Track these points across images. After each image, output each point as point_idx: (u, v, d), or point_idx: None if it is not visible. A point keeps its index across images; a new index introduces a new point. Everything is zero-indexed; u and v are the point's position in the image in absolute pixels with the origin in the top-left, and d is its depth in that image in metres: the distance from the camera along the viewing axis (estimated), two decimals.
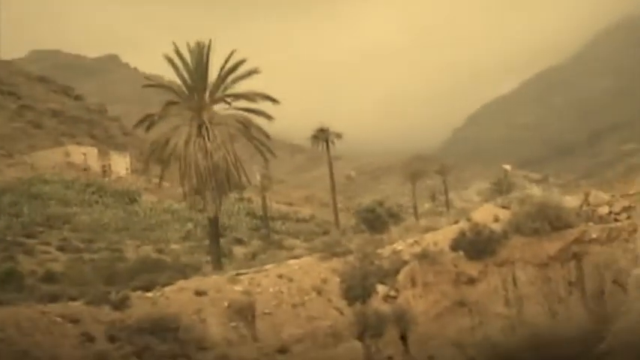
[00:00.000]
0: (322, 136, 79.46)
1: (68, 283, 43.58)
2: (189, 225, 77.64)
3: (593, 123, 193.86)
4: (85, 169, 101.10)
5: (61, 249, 63.69)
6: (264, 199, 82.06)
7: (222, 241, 68.23)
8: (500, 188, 63.64)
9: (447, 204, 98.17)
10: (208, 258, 50.09)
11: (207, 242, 68.97)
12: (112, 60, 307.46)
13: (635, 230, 30.34)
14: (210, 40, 43.13)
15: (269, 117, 44.47)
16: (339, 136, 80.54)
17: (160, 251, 66.17)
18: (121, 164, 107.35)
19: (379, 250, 33.10)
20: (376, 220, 45.42)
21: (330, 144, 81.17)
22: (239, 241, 75.31)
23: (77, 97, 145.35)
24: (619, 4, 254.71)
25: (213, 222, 44.39)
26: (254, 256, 56.34)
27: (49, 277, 48.50)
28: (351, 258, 32.34)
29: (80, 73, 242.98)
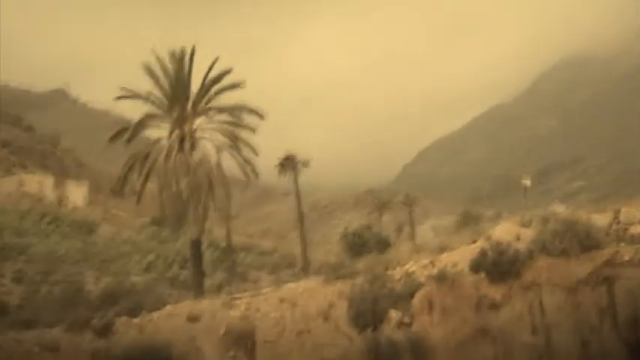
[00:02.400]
0: (289, 164, 76.36)
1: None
2: (151, 256, 74.03)
3: (541, 160, 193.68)
4: (40, 199, 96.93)
5: (16, 281, 59.87)
6: (228, 229, 78.62)
7: (184, 273, 64.77)
8: (468, 221, 61.07)
9: (413, 236, 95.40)
10: (172, 291, 47.10)
11: (169, 274, 65.43)
12: (60, 94, 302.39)
13: None
14: (193, 48, 40.08)
15: (253, 130, 41.62)
16: (306, 164, 77.58)
17: (120, 284, 62.59)
18: (77, 194, 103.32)
19: (389, 272, 30.08)
20: (364, 246, 42.40)
21: (293, 174, 78.15)
22: (202, 273, 71.92)
23: (28, 129, 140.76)
24: (564, 45, 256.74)
25: (195, 245, 41.12)
26: (219, 288, 53.33)
27: (3, 311, 44.80)
28: (359, 280, 29.27)
29: (29, 108, 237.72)
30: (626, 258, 27.90)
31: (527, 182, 73.13)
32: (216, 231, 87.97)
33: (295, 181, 77.56)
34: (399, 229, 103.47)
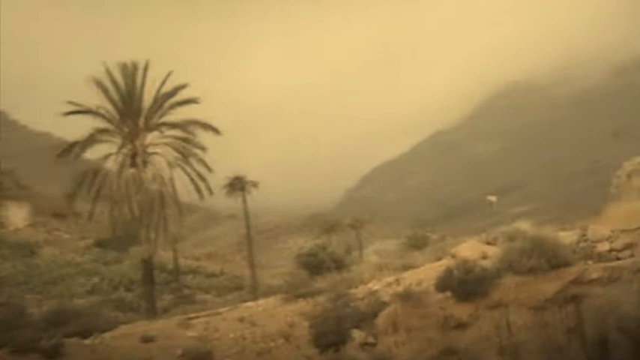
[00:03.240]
0: (238, 184, 75.02)
1: None
2: (95, 279, 72.20)
3: (484, 185, 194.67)
4: None
5: None
6: (175, 251, 77.09)
7: (130, 295, 63.18)
8: (417, 243, 60.20)
9: (362, 259, 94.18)
10: (118, 314, 45.62)
11: (114, 296, 63.87)
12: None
13: (639, 270, 27.13)
14: (147, 62, 38.90)
15: (203, 148, 40.44)
16: (255, 184, 76.32)
17: (65, 305, 60.73)
18: (18, 216, 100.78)
19: (352, 290, 29.08)
20: (319, 265, 41.37)
21: (243, 195, 76.72)
22: (154, 293, 70.38)
23: None
24: (505, 72, 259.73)
25: (147, 264, 39.71)
26: (165, 310, 52.04)
27: None
28: (321, 299, 28.25)
29: None
30: (594, 276, 27.27)
31: (493, 199, 72.88)
32: (161, 253, 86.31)
33: (244, 202, 76.21)
34: (348, 252, 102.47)
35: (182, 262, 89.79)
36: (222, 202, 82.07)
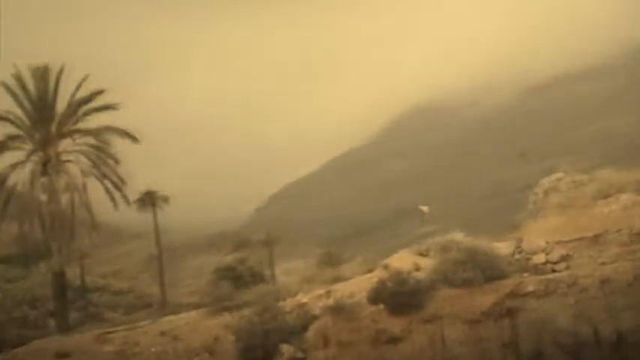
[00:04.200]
0: (149, 199, 72.84)
1: None
2: None
3: (394, 203, 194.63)
4: None
5: None
6: (82, 267, 74.50)
7: (34, 313, 60.66)
8: (331, 260, 59.16)
9: (274, 276, 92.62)
10: (22, 331, 43.49)
11: (18, 314, 61.56)
12: None
13: (574, 283, 26.47)
14: (62, 66, 36.91)
15: (117, 161, 38.54)
16: (166, 199, 74.22)
17: None
18: None
19: (280, 303, 27.73)
20: (238, 280, 39.83)
21: (155, 210, 74.58)
22: (53, 314, 67.57)
23: None
24: (416, 92, 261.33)
25: (59, 277, 37.62)
26: (72, 329, 49.92)
27: None
28: (247, 312, 26.83)
29: None
30: (530, 289, 26.50)
31: (425, 208, 72.52)
32: (68, 270, 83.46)
33: (154, 217, 74.06)
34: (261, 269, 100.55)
35: (88, 279, 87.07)
36: (130, 218, 79.71)
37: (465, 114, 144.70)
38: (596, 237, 28.42)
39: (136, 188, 71.86)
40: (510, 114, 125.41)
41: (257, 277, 41.59)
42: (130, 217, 75.94)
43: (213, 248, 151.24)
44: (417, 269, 27.53)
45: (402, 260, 28.61)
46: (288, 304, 27.92)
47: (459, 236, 28.85)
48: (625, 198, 39.98)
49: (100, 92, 37.48)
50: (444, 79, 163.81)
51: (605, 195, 41.73)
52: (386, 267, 28.09)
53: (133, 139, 37.70)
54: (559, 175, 51.28)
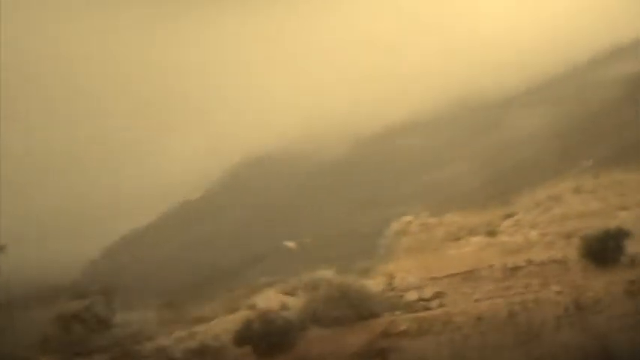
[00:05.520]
0: None
1: None
2: None
3: (238, 253, 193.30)
4: None
5: None
6: None
7: None
8: (178, 306, 57.12)
9: (125, 323, 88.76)
10: None
11: None
12: None
13: (449, 321, 25.45)
14: None
15: None
16: (2, 249, 69.85)
17: None
18: None
19: (137, 347, 25.51)
20: (85, 325, 37.18)
21: None
22: None
23: None
24: (250, 142, 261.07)
25: None
26: None
27: None
28: (103, 358, 24.55)
29: None
30: (403, 328, 25.28)
31: (291, 244, 71.25)
32: None
33: None
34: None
35: None
36: None
37: (302, 164, 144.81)
38: (469, 273, 27.65)
39: None
40: (349, 163, 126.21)
41: (102, 324, 39.02)
42: None
43: (51, 303, 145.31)
44: (285, 308, 25.93)
45: (269, 299, 27.04)
46: (146, 348, 25.75)
47: (328, 273, 27.47)
48: (475, 240, 39.81)
49: None
50: (283, 129, 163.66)
51: (455, 238, 41.52)
52: (252, 307, 26.39)
53: None
54: (409, 218, 51.01)
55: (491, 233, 40.99)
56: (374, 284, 27.21)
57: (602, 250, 26.71)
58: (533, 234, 37.64)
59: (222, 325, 26.02)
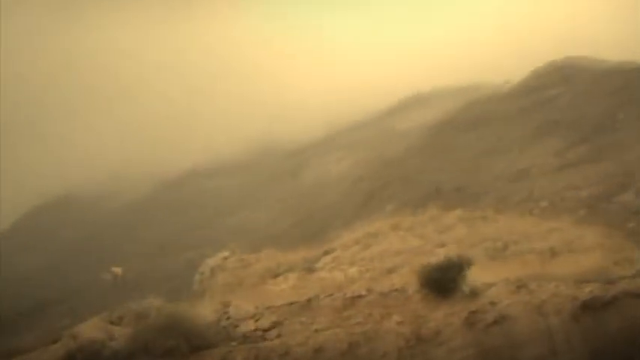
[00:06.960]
0: None
1: None
2: None
3: (27, 298, 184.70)
4: None
5: None
6: None
7: None
8: None
9: None
10: None
11: None
12: None
13: (287, 352, 24.12)
14: None
15: None
16: None
17: None
18: None
19: None
20: None
21: None
22: None
23: None
24: (46, 184, 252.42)
25: None
26: None
27: None
28: None
29: None
30: (239, 359, 23.69)
31: (119, 270, 67.98)
32: None
33: None
34: None
35: None
36: None
37: (104, 206, 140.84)
38: (308, 302, 26.36)
39: None
40: (150, 205, 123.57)
41: None
42: None
43: None
44: (112, 339, 23.77)
45: (93, 329, 24.66)
46: None
47: (157, 302, 25.53)
48: (294, 276, 38.78)
49: None
50: (83, 171, 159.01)
51: (274, 274, 40.34)
52: (74, 337, 24.01)
53: None
54: (225, 254, 49.42)
55: (310, 270, 40.09)
56: (208, 313, 25.45)
57: (442, 279, 26.10)
58: (353, 270, 36.93)
59: (42, 357, 23.58)
